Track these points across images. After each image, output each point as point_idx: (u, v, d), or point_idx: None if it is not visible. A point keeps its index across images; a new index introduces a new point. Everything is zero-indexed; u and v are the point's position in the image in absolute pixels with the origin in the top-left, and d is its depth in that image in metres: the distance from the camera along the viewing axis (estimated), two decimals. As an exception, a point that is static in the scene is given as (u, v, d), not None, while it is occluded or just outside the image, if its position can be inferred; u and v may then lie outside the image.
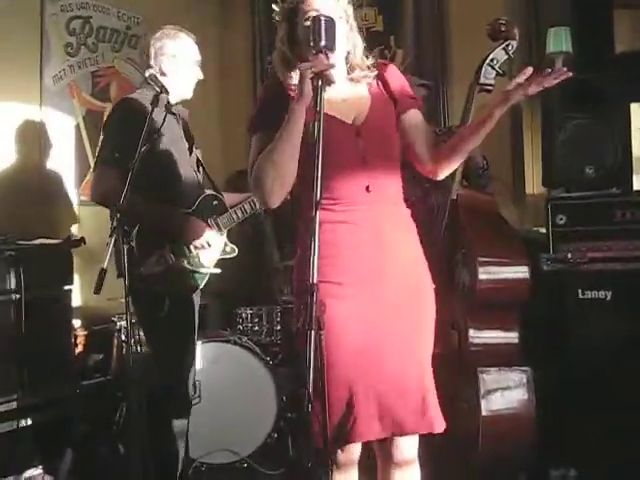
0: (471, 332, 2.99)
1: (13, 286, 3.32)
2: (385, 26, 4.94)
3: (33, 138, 4.31)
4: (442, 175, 2.21)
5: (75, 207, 4.48)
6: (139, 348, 2.55)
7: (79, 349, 4.25)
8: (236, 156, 5.29)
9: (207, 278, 2.98)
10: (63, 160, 4.45)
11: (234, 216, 3.07)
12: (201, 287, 2.96)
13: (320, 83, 1.85)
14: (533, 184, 4.25)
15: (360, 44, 2.16)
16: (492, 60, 2.95)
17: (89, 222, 4.38)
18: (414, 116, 2.17)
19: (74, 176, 4.52)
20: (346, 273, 2.00)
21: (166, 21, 4.49)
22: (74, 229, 4.40)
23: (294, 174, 1.99)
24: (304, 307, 1.70)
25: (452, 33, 4.65)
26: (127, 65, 4.81)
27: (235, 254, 3.10)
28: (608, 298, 3.29)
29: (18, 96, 4.24)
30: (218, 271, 3.02)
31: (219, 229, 3.03)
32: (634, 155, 3.45)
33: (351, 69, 2.16)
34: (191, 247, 2.88)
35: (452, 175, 3.05)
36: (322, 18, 1.91)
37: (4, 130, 4.16)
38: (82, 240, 3.66)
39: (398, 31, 4.90)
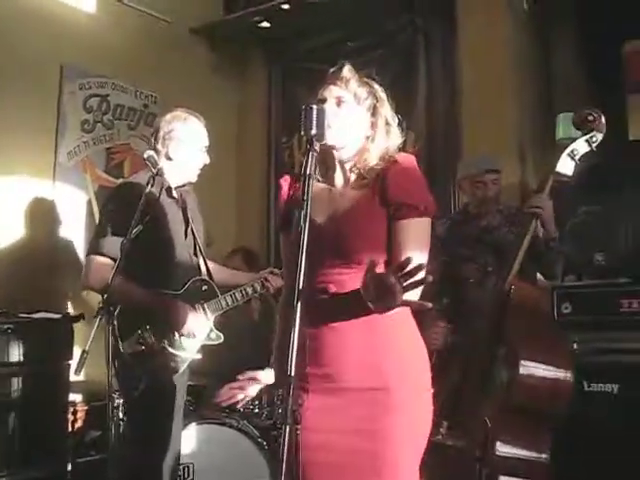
0: (498, 444, 2.57)
1: (8, 359, 3.33)
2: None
3: (44, 213, 4.37)
4: None
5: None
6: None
7: (78, 424, 4.18)
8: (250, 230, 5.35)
9: (188, 362, 2.88)
10: (74, 235, 4.49)
11: (223, 303, 3.00)
12: (181, 370, 2.85)
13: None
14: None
15: (382, 139, 2.03)
16: (572, 151, 2.82)
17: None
18: (397, 228, 1.95)
19: (84, 251, 4.53)
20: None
21: (183, 99, 4.56)
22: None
23: None
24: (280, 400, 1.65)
25: (464, 124, 4.66)
26: (142, 142, 4.86)
27: (220, 341, 2.99)
28: (615, 391, 3.15)
29: (32, 171, 4.32)
30: (199, 357, 2.91)
31: (205, 314, 2.95)
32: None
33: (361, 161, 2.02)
34: (174, 330, 2.82)
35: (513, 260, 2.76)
36: (314, 107, 1.83)
37: (16, 204, 4.23)
38: (82, 315, 3.66)
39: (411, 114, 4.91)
